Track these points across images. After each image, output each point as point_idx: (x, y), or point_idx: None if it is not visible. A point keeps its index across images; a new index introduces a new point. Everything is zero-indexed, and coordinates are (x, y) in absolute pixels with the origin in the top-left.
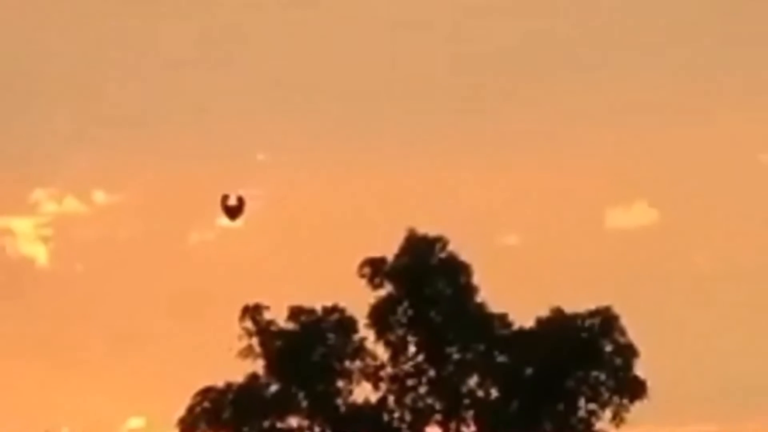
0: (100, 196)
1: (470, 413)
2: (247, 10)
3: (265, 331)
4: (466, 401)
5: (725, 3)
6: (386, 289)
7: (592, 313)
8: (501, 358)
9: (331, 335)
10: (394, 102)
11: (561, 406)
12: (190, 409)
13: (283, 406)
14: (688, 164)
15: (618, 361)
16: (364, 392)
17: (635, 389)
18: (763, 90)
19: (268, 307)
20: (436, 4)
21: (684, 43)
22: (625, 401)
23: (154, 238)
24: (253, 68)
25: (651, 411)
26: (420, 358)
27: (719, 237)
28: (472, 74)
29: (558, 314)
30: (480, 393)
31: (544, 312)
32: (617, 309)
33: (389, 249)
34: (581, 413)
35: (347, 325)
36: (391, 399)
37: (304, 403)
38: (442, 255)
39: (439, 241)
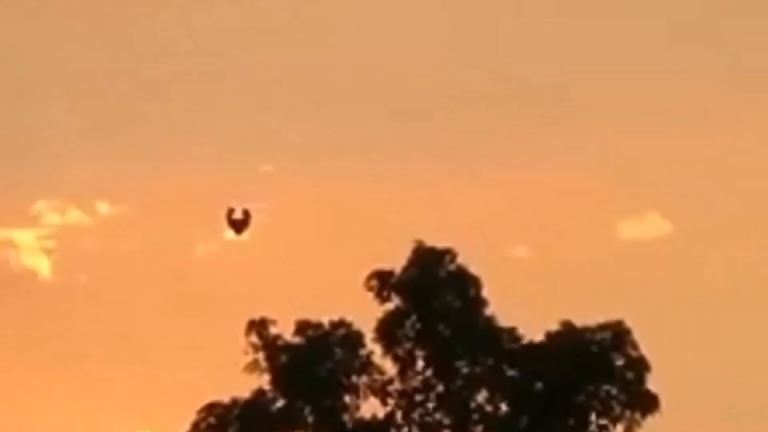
0: (103, 208)
1: (479, 428)
2: (252, 19)
3: (271, 346)
4: (475, 416)
5: (737, 7)
6: (394, 303)
7: (603, 327)
8: (510, 373)
9: (338, 350)
10: (402, 112)
11: (571, 421)
12: (195, 425)
13: (289, 421)
14: (702, 174)
15: (630, 375)
16: (371, 407)
17: (647, 404)
18: None
19: (274, 321)
20: (444, 12)
21: (698, 49)
22: (637, 416)
23: (159, 250)
24: (259, 78)
25: (663, 426)
26: (428, 372)
27: (734, 249)
28: (481, 83)
29: (568, 328)
30: (489, 408)
31: (554, 325)
32: (629, 322)
33: (397, 261)
34: (592, 428)
35: (354, 339)
36: (398, 414)
37: (311, 419)
38: (451, 267)
39: (448, 254)
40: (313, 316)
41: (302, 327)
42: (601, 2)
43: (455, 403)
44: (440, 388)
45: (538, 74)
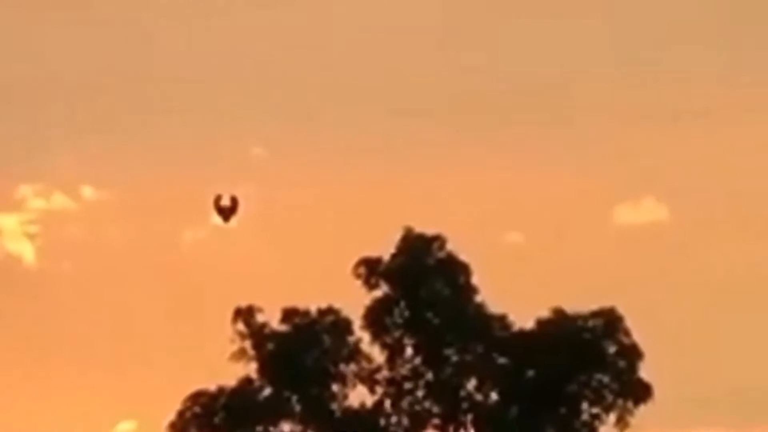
0: (88, 192)
1: (469, 417)
2: (239, 3)
3: (257, 334)
4: (465, 405)
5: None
6: (382, 290)
7: (595, 314)
8: (501, 361)
9: (325, 337)
10: (392, 98)
11: (563, 410)
12: (181, 414)
13: (276, 410)
14: (699, 159)
15: (622, 363)
16: (359, 396)
17: (640, 392)
18: None
19: (261, 309)
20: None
21: (694, 39)
22: (630, 405)
23: (145, 236)
24: (247, 60)
25: (656, 415)
26: (417, 360)
27: (732, 235)
28: (472, 71)
29: (560, 315)
30: (479, 396)
31: (546, 313)
32: (622, 309)
33: (385, 248)
34: (584, 417)
35: (342, 326)
36: (387, 403)
37: (298, 408)
38: (440, 254)
39: (437, 240)
40: (300, 304)
41: (289, 314)
42: None
43: (445, 391)
44: (429, 376)
45: (534, 63)
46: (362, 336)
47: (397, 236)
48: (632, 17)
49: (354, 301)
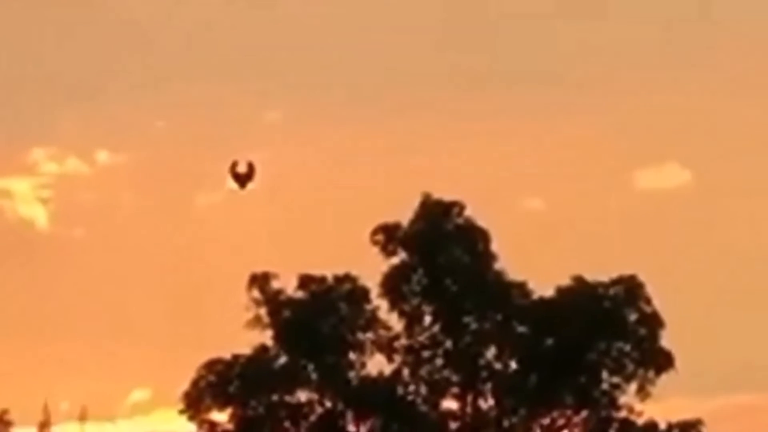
0: (102, 156)
1: (488, 386)
2: None
3: (273, 301)
4: (484, 373)
5: None
6: (400, 257)
7: (616, 282)
8: (520, 329)
9: (342, 305)
10: (410, 60)
11: (583, 379)
12: (195, 383)
13: (292, 379)
14: (723, 122)
15: (643, 331)
16: (377, 365)
17: (661, 361)
18: None
19: (276, 276)
20: None
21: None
22: (651, 374)
23: (159, 201)
24: (262, 24)
25: (678, 383)
26: (435, 328)
27: (756, 201)
28: (490, 32)
29: (580, 283)
30: (498, 365)
31: (566, 280)
32: (643, 276)
33: (403, 214)
34: (604, 386)
35: (359, 294)
36: (405, 371)
37: (314, 376)
38: (459, 220)
39: (456, 206)
40: (316, 271)
41: (306, 281)
42: None
43: (463, 359)
44: (448, 344)
45: (550, 25)
46: (380, 303)
47: (415, 202)
48: None
49: (371, 268)
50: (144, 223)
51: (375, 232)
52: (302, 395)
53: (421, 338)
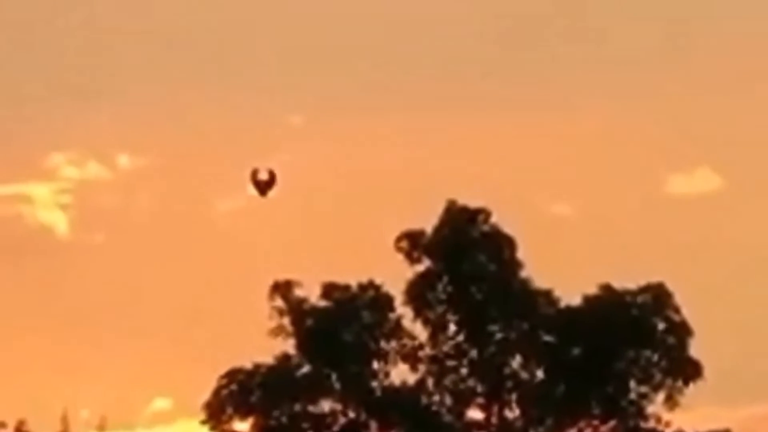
0: (123, 160)
1: (514, 396)
2: None
3: (296, 309)
4: (510, 383)
5: None
6: (425, 264)
7: (644, 290)
8: (546, 338)
9: (366, 313)
10: (435, 65)
11: (610, 389)
12: (216, 392)
13: (315, 388)
14: (756, 127)
15: (671, 340)
16: (401, 374)
17: (689, 371)
18: None
19: (299, 284)
20: None
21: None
22: (679, 383)
23: (181, 206)
24: (285, 26)
25: (706, 393)
26: (460, 337)
27: None
28: (517, 34)
29: (607, 291)
30: (524, 375)
31: (593, 288)
32: (673, 283)
33: (428, 221)
34: (632, 396)
35: (383, 302)
36: (430, 381)
37: (338, 386)
38: (485, 227)
39: (482, 213)
40: (340, 278)
41: (329, 289)
42: None
43: (489, 369)
44: (473, 353)
45: (577, 24)
46: (404, 312)
47: (440, 208)
48: None
49: (396, 275)
50: (165, 228)
51: (399, 239)
52: (325, 405)
53: (446, 347)
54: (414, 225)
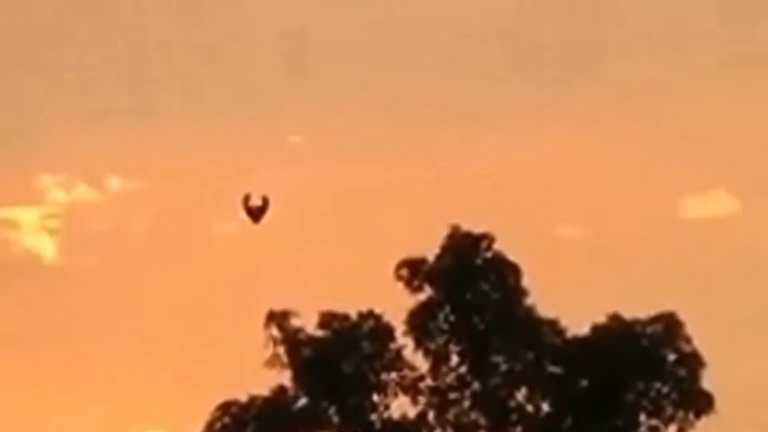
0: (114, 183)
1: (519, 429)
2: None
3: (292, 339)
4: (514, 416)
5: None
6: (426, 293)
7: (654, 320)
8: (553, 369)
9: (365, 343)
10: (437, 86)
11: (619, 422)
12: (210, 425)
13: (312, 421)
14: None
15: (682, 372)
16: (401, 406)
17: (701, 403)
18: None
19: (296, 313)
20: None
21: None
22: (691, 416)
23: (173, 230)
24: (283, 41)
25: (718, 427)
26: (463, 368)
27: None
28: (522, 54)
29: (616, 320)
30: (529, 407)
31: (601, 318)
32: (686, 312)
33: (429, 248)
34: (642, 429)
35: (383, 332)
36: (431, 414)
37: (336, 419)
38: (488, 254)
39: (485, 239)
40: (338, 308)
41: (327, 319)
42: None
43: (492, 401)
44: (476, 385)
45: (587, 43)
46: (404, 342)
47: (442, 235)
48: None
49: (396, 304)
50: (157, 254)
51: (400, 266)
52: None
53: (448, 379)
54: (415, 251)
